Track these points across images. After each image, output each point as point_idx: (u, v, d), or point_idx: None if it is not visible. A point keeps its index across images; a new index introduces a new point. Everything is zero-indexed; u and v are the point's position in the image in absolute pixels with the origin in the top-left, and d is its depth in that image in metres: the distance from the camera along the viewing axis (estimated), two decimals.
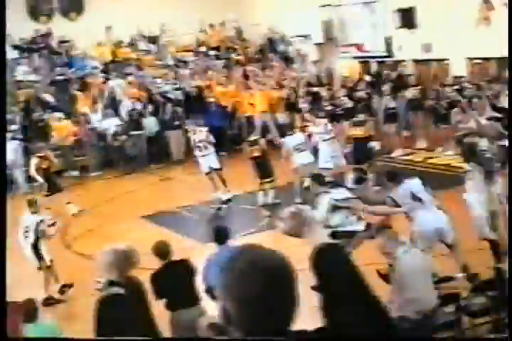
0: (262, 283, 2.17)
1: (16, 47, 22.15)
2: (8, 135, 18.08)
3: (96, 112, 20.06)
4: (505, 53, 13.64)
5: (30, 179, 17.80)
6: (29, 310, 7.29)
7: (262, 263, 2.22)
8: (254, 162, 14.09)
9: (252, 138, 14.80)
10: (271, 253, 2.27)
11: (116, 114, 20.47)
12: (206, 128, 15.16)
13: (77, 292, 10.28)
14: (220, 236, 8.07)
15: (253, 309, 2.17)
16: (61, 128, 19.04)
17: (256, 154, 14.00)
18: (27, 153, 18.22)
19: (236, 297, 2.19)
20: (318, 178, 9.75)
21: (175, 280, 7.60)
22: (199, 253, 8.05)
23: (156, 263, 7.74)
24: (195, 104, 20.59)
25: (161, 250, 7.74)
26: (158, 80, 21.76)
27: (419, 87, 18.09)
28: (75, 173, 19.02)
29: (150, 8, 23.37)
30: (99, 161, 19.64)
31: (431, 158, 16.73)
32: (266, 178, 14.07)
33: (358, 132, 14.84)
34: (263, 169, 14.00)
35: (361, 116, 15.27)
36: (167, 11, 23.48)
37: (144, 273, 8.71)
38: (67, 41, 22.77)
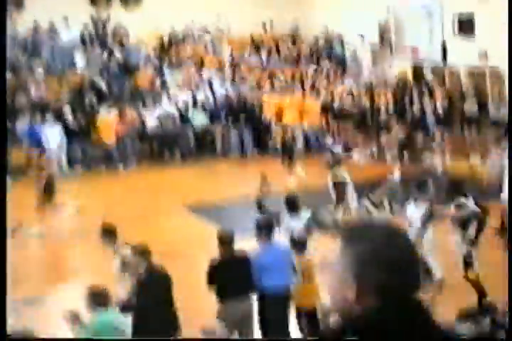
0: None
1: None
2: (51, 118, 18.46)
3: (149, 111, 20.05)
4: None
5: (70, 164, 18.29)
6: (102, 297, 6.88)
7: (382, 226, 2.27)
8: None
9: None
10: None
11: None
12: None
13: None
14: (265, 230, 8.05)
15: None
16: (106, 126, 19.07)
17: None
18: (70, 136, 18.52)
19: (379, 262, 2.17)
20: None
21: (233, 270, 7.63)
22: (240, 247, 8.07)
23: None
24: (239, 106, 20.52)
25: (224, 239, 7.77)
26: (212, 75, 21.80)
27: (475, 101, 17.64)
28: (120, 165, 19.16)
29: (206, 2, 23.48)
30: (142, 153, 19.74)
31: None
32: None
33: None
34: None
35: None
36: (223, 5, 23.56)
37: (184, 261, 8.78)
38: (123, 28, 22.98)
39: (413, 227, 8.97)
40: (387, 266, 2.14)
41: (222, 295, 7.63)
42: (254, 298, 7.84)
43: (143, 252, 7.37)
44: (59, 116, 18.99)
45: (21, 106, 19.62)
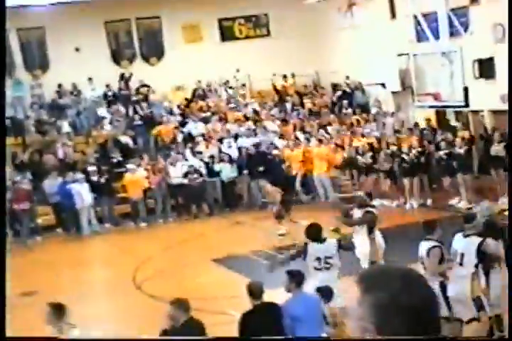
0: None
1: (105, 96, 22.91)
2: (81, 176, 18.65)
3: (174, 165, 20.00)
4: None
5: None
6: None
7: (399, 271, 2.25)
8: None
9: None
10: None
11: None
12: None
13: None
14: (295, 280, 7.98)
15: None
16: (133, 183, 19.08)
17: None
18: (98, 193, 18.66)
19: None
20: None
21: (265, 321, 7.58)
22: (269, 299, 8.00)
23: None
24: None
25: (255, 290, 7.76)
26: (238, 128, 21.97)
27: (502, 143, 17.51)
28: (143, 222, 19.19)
29: (227, 56, 23.87)
30: (169, 205, 19.76)
31: None
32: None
33: None
34: None
35: None
36: (244, 59, 23.94)
37: (210, 317, 8.65)
38: (146, 85, 23.38)
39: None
40: (406, 313, 2.12)
41: None
42: None
43: (183, 306, 7.37)
44: (87, 174, 19.15)
45: (49, 165, 19.87)
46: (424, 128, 20.04)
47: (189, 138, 21.64)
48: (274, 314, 7.63)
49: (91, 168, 19.27)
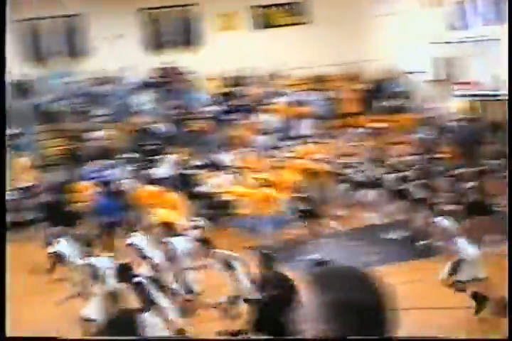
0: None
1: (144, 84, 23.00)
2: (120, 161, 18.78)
3: None
4: None
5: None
6: None
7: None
8: None
9: None
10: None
11: None
12: None
13: None
14: None
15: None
16: None
17: None
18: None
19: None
20: None
21: None
22: None
23: None
24: None
25: None
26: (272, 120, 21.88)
27: None
28: None
29: (266, 43, 23.71)
30: None
31: None
32: None
33: None
34: None
35: None
36: (285, 47, 23.74)
37: None
38: (184, 73, 23.38)
39: None
40: (359, 312, 2.12)
41: None
42: None
43: None
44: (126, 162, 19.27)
45: (85, 152, 20.11)
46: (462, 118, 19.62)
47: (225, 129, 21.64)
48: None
49: (129, 155, 19.33)
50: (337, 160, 18.24)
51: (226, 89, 23.54)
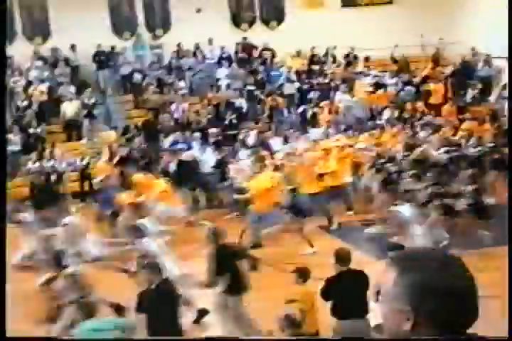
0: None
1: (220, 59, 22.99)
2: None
3: None
4: None
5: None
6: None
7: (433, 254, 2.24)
8: None
9: None
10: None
11: None
12: None
13: None
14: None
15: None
16: None
17: None
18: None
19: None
20: None
21: (349, 288, 7.54)
22: (371, 269, 7.90)
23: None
24: None
25: (342, 256, 7.70)
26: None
27: None
28: None
29: (347, 22, 23.44)
30: None
31: None
32: None
33: None
34: None
35: None
36: (364, 25, 23.45)
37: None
38: (268, 49, 23.32)
39: None
40: (444, 296, 2.08)
41: (338, 312, 7.50)
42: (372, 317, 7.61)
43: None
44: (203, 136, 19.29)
45: (165, 125, 20.23)
46: None
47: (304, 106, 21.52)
48: (360, 281, 7.63)
49: (212, 130, 19.33)
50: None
51: (306, 67, 23.36)
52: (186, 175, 16.31)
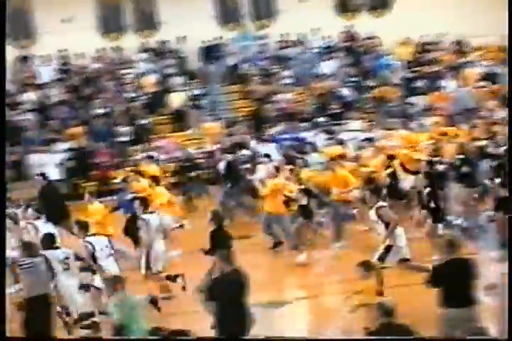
0: None
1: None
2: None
3: None
4: None
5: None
6: None
7: None
8: None
9: None
10: None
11: None
12: None
13: None
14: None
15: None
16: None
17: None
18: None
19: None
20: None
21: (458, 276, 7.31)
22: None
23: None
24: None
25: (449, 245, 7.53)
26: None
27: None
28: None
29: (459, 9, 22.76)
30: None
31: None
32: None
33: None
34: None
35: None
36: (471, 14, 22.69)
37: None
38: (372, 38, 22.98)
39: None
40: None
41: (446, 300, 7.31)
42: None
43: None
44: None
45: (270, 114, 20.29)
46: None
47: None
48: (467, 270, 7.38)
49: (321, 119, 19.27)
50: None
51: (413, 56, 22.86)
52: None
